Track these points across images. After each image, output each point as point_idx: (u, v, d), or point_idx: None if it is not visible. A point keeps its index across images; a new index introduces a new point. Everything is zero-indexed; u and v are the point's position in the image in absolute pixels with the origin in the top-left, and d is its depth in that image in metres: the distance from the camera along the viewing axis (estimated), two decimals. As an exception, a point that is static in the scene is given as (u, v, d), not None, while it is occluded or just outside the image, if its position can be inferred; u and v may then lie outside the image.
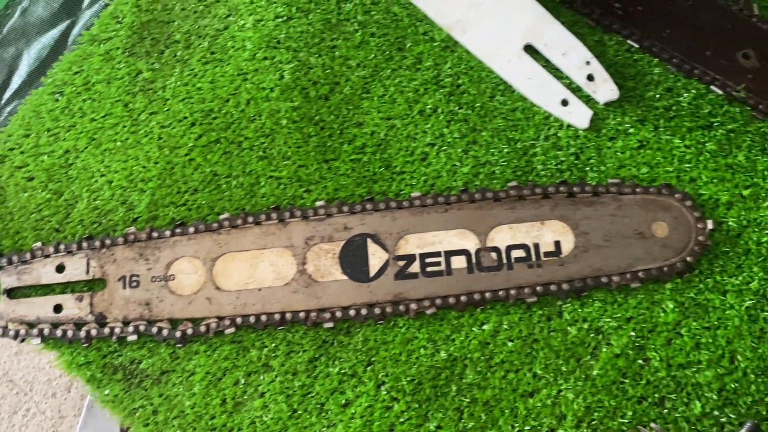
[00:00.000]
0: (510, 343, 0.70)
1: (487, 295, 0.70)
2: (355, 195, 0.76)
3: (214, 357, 0.72)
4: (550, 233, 0.72)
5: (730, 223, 0.72)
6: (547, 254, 0.71)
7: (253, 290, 0.72)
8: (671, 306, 0.69)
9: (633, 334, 0.69)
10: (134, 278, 0.74)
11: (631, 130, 0.76)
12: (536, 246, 0.72)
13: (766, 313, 0.68)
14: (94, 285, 0.75)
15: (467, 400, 0.68)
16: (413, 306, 0.71)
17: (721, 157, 0.74)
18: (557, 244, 0.71)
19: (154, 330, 0.72)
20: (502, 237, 0.72)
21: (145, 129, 0.81)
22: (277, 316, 0.71)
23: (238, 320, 0.72)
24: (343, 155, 0.78)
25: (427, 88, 0.80)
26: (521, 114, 0.78)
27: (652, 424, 0.64)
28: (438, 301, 0.71)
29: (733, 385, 0.66)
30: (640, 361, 0.68)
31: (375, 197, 0.76)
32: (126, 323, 0.73)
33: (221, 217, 0.75)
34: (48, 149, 0.81)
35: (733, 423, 0.65)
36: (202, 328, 0.72)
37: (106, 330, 0.72)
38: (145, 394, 0.72)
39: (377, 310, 0.71)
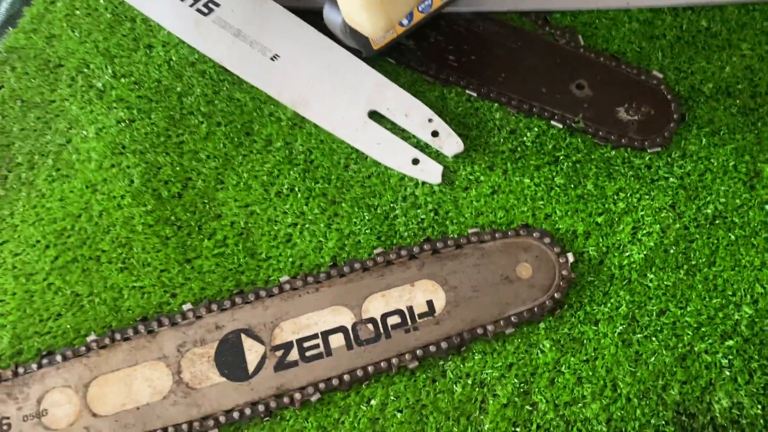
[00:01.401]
0: (399, 414, 0.69)
1: (370, 368, 0.70)
2: (223, 291, 0.74)
3: (100, 489, 0.68)
4: (421, 293, 0.72)
5: (590, 252, 0.74)
6: (421, 315, 0.71)
7: (132, 410, 0.69)
8: (548, 345, 0.70)
9: (516, 380, 0.69)
10: (5, 421, 0.70)
11: (482, 178, 0.77)
12: (410, 309, 0.71)
13: (638, 335, 0.70)
14: (-38, 437, 0.70)
15: (365, 481, 0.67)
16: (297, 396, 0.69)
17: (571, 189, 0.76)
18: (430, 303, 0.72)
19: (32, 474, 0.68)
20: (375, 306, 0.72)
21: (-4, 260, 0.77)
22: (159, 434, 0.68)
23: (120, 446, 0.68)
24: (205, 251, 0.76)
25: (281, 168, 0.79)
26: (377, 179, 0.78)
27: None
28: (321, 386, 0.69)
29: (619, 413, 0.67)
30: (528, 407, 0.68)
31: (244, 289, 0.74)
32: (1, 471, 0.68)
33: (88, 339, 0.72)
34: None
35: (625, 451, 0.66)
36: (83, 461, 0.68)
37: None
38: None
39: (261, 407, 0.69)
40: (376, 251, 0.74)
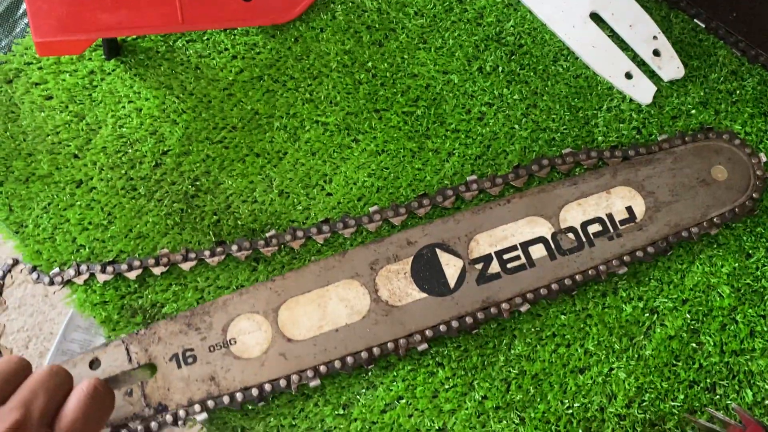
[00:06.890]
0: (563, 317, 0.67)
1: (578, 277, 0.66)
2: (405, 148, 0.71)
3: None
4: (620, 200, 0.68)
5: (787, 213, 0.71)
6: (623, 222, 0.68)
7: (329, 332, 0.65)
8: (727, 291, 0.67)
9: (688, 316, 0.67)
10: (189, 353, 0.64)
11: (693, 112, 0.74)
12: (610, 216, 0.68)
13: (820, 306, 0.67)
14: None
15: (515, 371, 0.65)
16: (505, 306, 0.65)
17: (783, 147, 0.73)
18: (629, 209, 0.68)
19: (226, 400, 0.63)
20: (573, 215, 0.68)
21: (181, 57, 0.74)
22: (364, 354, 0.64)
23: (322, 369, 0.64)
24: (396, 106, 0.73)
25: (488, 44, 0.76)
26: (584, 82, 0.75)
27: (709, 409, 0.62)
28: (530, 296, 0.66)
29: (785, 376, 0.65)
30: (694, 345, 0.66)
31: (426, 157, 0.71)
32: (191, 405, 0.63)
33: (268, 234, 0.68)
34: (71, 68, 0.73)
35: (783, 413, 0.64)
36: (282, 383, 0.64)
37: (169, 417, 0.63)
38: None
39: (468, 320, 0.65)
40: (564, 151, 0.71)
